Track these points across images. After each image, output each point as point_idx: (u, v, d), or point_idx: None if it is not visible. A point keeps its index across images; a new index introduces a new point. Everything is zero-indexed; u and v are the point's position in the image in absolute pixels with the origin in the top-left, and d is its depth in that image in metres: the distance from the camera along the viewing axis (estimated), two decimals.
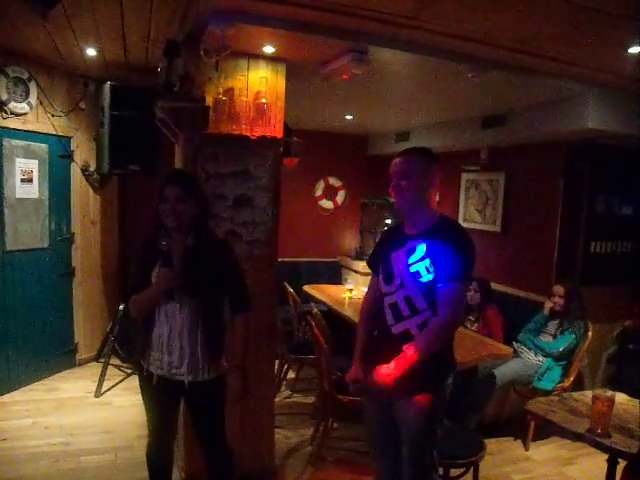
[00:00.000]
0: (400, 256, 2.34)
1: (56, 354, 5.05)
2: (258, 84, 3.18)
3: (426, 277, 2.25)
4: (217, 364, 2.53)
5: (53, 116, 4.76)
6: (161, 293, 2.39)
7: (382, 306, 2.41)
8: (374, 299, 2.53)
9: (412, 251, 2.30)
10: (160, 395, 2.53)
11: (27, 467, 3.42)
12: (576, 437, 2.64)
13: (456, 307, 2.27)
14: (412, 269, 2.28)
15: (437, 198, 2.46)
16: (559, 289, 4.26)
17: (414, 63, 3.35)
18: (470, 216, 5.73)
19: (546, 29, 2.72)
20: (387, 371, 2.26)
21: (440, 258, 2.23)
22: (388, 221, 6.32)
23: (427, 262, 2.25)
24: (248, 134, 3.15)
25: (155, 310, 2.44)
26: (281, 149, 3.26)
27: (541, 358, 4.21)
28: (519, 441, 4.10)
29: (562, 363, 4.16)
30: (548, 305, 4.31)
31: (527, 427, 3.96)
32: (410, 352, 2.23)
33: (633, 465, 2.21)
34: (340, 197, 7.41)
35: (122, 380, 4.99)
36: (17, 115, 4.40)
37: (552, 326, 4.29)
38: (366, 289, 2.70)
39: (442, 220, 2.38)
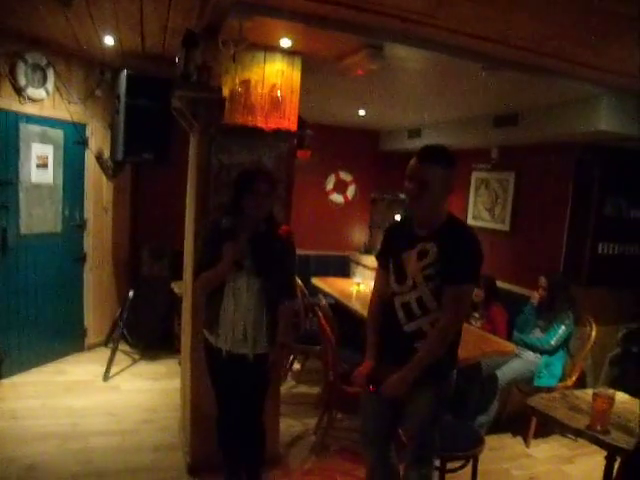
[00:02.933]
0: (412, 258, 2.36)
1: (65, 338, 5.13)
2: (274, 77, 3.22)
3: (438, 279, 2.28)
4: (274, 340, 2.78)
5: (69, 103, 4.83)
6: (229, 265, 2.61)
7: (393, 305, 2.43)
8: (383, 297, 2.54)
9: (424, 254, 2.32)
10: (227, 367, 2.77)
11: (36, 446, 3.50)
12: (576, 433, 2.68)
13: (462, 308, 2.34)
14: (425, 272, 2.31)
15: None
16: (542, 280, 4.29)
17: (428, 60, 3.37)
18: (479, 214, 5.76)
19: (561, 30, 2.74)
20: (398, 382, 2.33)
21: (450, 260, 2.26)
22: (398, 217, 6.34)
23: (438, 265, 2.28)
24: (263, 126, 3.20)
25: (223, 288, 2.69)
26: (295, 141, 3.31)
27: (539, 355, 4.22)
28: (520, 438, 4.13)
29: (560, 356, 4.18)
30: (535, 295, 4.35)
31: (528, 425, 4.00)
32: (420, 356, 2.30)
33: (627, 463, 2.26)
34: (350, 192, 7.46)
35: (130, 365, 5.08)
36: (34, 101, 4.46)
37: (542, 321, 4.30)
38: (373, 284, 2.70)
39: (451, 220, 2.39)
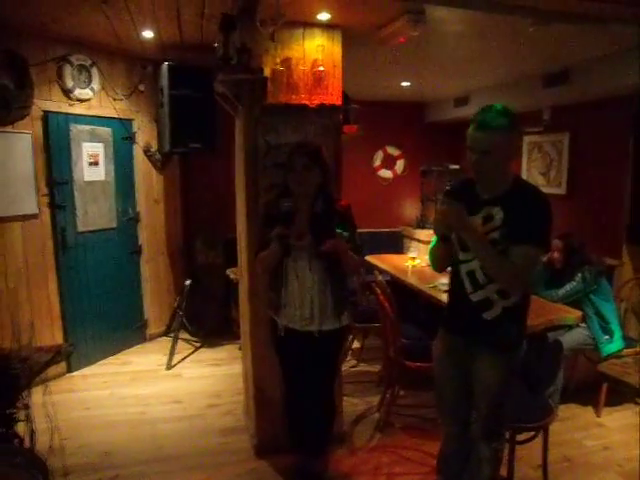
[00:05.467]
0: (476, 223, 2.22)
1: (128, 330, 5.27)
2: (315, 52, 3.19)
3: (503, 244, 2.16)
4: (342, 316, 2.79)
5: (115, 100, 4.91)
6: (278, 249, 2.61)
7: (458, 274, 2.36)
8: (446, 266, 2.49)
9: (489, 219, 2.21)
10: (295, 346, 2.78)
11: (109, 433, 3.62)
12: None
13: (527, 270, 2.17)
14: (490, 237, 2.19)
15: None
16: (557, 243, 4.07)
17: (472, 21, 3.27)
18: (534, 179, 5.56)
19: None
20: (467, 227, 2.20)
21: (516, 221, 2.13)
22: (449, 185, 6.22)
23: (504, 229, 2.16)
24: (307, 103, 3.16)
25: (285, 269, 2.71)
26: (340, 116, 3.25)
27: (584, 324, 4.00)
28: (589, 408, 3.99)
29: (611, 316, 3.94)
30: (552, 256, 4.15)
31: (598, 393, 3.86)
32: (490, 249, 2.17)
33: None
34: (399, 166, 7.37)
35: (191, 353, 5.18)
36: (82, 101, 4.57)
37: (557, 282, 4.10)
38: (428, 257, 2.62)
39: (518, 183, 2.26)
